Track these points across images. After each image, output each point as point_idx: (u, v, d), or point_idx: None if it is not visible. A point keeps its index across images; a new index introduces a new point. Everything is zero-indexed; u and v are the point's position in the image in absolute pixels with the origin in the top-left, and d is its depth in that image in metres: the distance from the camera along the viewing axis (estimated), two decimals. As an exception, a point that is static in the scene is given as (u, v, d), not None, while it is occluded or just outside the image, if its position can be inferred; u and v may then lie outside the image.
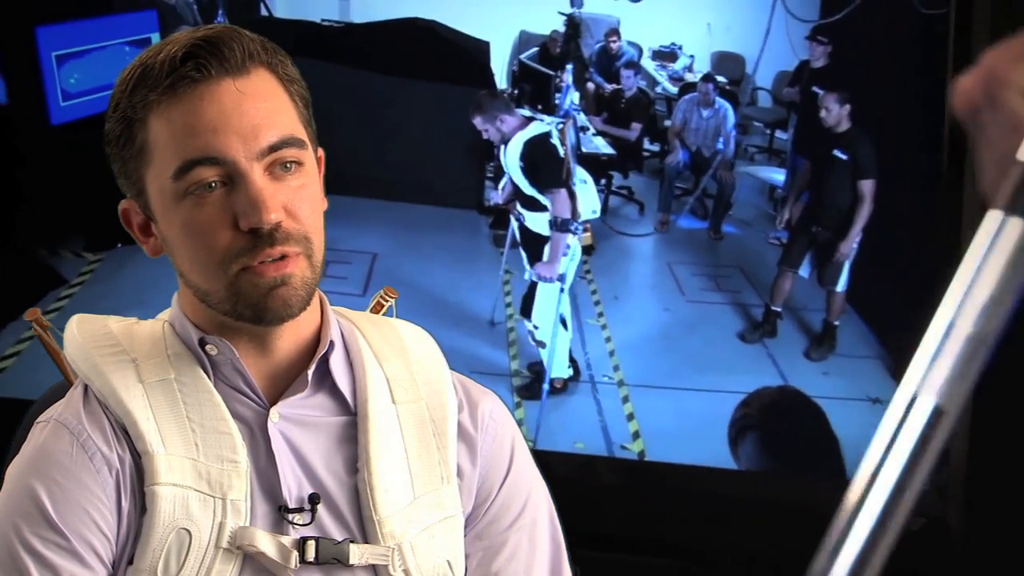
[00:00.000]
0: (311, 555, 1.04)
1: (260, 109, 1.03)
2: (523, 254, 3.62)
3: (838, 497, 0.55)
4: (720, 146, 3.79)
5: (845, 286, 3.45)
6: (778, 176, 3.87)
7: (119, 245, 3.73)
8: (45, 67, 3.43)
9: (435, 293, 3.66)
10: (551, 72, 3.88)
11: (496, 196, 3.75)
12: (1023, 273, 0.54)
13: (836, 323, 3.47)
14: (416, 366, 1.17)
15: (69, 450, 1.03)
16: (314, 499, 1.07)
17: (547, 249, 3.55)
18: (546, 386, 3.46)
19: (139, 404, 1.05)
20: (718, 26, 3.89)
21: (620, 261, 3.86)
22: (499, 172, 3.69)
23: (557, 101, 3.82)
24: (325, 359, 1.11)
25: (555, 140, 3.55)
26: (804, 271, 3.55)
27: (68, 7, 3.46)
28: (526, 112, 3.68)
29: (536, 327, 3.55)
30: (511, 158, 3.56)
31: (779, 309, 3.56)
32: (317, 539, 1.05)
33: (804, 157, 3.67)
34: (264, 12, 3.93)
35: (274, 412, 1.08)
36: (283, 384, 1.10)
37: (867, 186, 3.36)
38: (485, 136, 3.61)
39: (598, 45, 3.93)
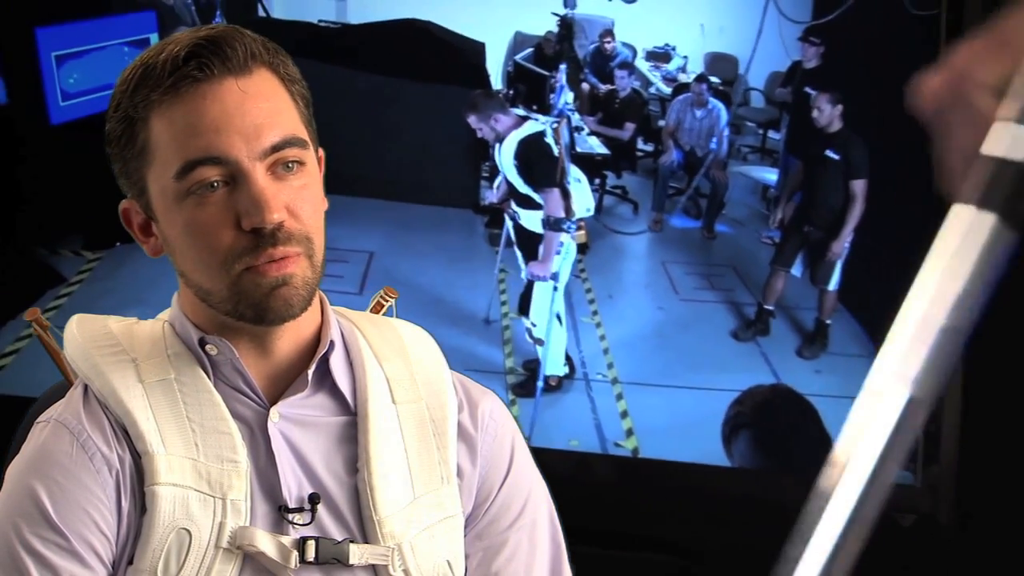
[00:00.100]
0: (311, 555, 1.04)
1: (262, 109, 1.02)
2: (518, 253, 3.63)
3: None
4: (713, 146, 3.79)
5: (837, 285, 3.45)
6: (771, 176, 3.87)
7: (118, 244, 3.72)
8: (44, 67, 3.42)
9: (431, 292, 3.66)
10: (546, 72, 3.89)
11: (491, 195, 3.76)
12: (996, 266, 0.55)
13: (828, 322, 3.47)
14: (416, 366, 1.16)
15: (69, 450, 1.03)
16: (314, 499, 1.07)
17: (540, 248, 3.56)
18: (540, 383, 3.47)
19: (139, 404, 1.05)
20: (711, 27, 3.89)
21: (614, 260, 3.85)
22: (494, 172, 3.68)
23: (551, 101, 3.82)
24: (325, 359, 1.11)
25: (549, 139, 3.55)
26: (796, 270, 3.55)
27: (67, 8, 3.45)
28: (520, 112, 3.68)
29: (534, 324, 3.55)
30: (506, 157, 3.55)
31: (772, 308, 3.56)
32: (317, 539, 1.05)
33: (796, 157, 3.67)
34: (262, 13, 3.93)
35: (274, 412, 1.08)
36: (283, 384, 1.10)
37: (859, 186, 3.36)
38: (479, 135, 3.60)
39: (592, 46, 3.93)
